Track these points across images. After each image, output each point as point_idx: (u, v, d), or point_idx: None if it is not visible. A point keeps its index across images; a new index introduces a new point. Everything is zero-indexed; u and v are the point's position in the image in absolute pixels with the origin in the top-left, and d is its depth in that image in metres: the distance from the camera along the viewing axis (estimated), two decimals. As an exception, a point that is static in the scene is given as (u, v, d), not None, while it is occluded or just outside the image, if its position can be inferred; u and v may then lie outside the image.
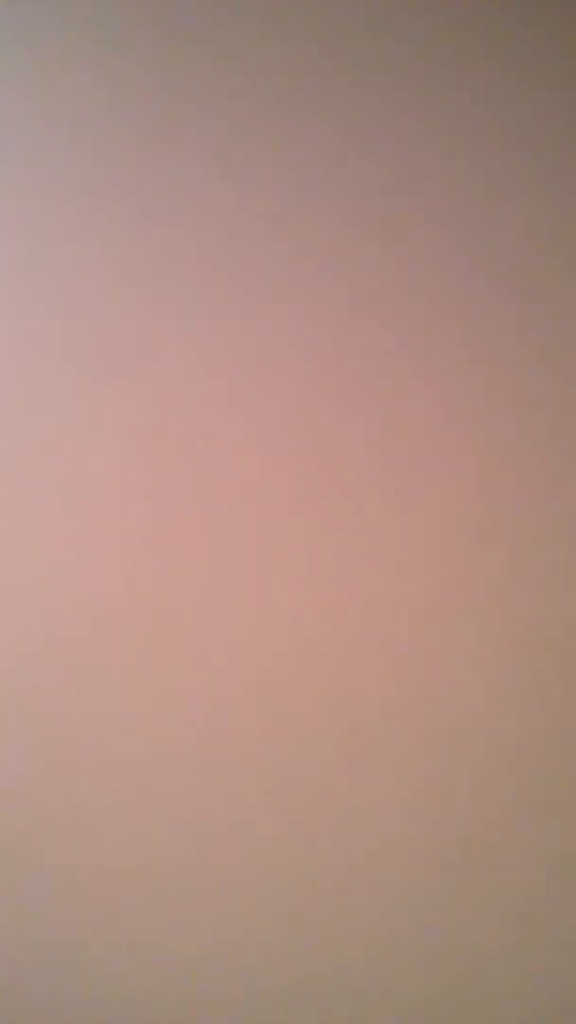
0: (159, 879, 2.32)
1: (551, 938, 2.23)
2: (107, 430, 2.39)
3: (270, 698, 2.31)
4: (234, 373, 2.37)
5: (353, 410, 2.34)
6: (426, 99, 2.35)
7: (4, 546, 2.40)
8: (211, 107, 2.40)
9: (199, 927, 2.30)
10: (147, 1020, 2.31)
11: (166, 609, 2.35)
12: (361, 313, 2.35)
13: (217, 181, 2.39)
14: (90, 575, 2.37)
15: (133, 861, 2.33)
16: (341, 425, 2.34)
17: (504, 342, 2.31)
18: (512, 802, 2.25)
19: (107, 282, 2.41)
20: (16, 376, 2.42)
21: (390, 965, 2.26)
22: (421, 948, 2.25)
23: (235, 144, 2.39)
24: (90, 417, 2.39)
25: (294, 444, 2.35)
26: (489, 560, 2.29)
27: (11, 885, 2.35)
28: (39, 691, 2.36)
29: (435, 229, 2.34)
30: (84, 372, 2.40)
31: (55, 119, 2.44)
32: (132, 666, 2.34)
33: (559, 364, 2.30)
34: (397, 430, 2.32)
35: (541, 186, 2.33)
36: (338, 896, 2.28)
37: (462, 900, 2.25)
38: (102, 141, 2.42)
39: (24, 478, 2.40)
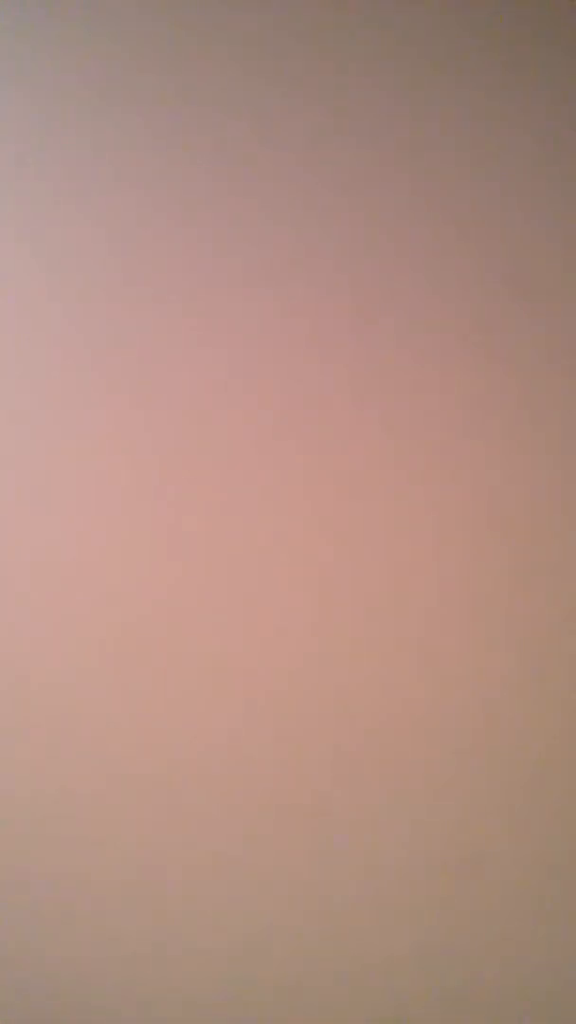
0: (160, 889, 2.32)
1: (552, 945, 2.23)
2: (107, 434, 2.39)
3: (269, 706, 2.31)
4: (235, 374, 2.37)
5: (355, 410, 2.34)
6: (431, 94, 2.35)
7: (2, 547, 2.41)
8: (213, 97, 2.40)
9: (200, 935, 2.31)
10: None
11: (163, 614, 2.35)
12: (363, 313, 2.35)
13: (219, 178, 2.39)
14: (88, 577, 2.37)
15: (134, 873, 2.33)
16: (344, 426, 2.34)
17: (508, 339, 2.32)
18: (515, 810, 2.25)
19: (108, 282, 2.41)
20: (14, 379, 2.42)
21: (391, 972, 2.26)
22: (423, 956, 2.25)
23: (236, 139, 2.39)
24: (90, 420, 2.39)
25: (295, 445, 2.35)
26: (492, 565, 2.29)
27: (15, 895, 2.36)
28: (41, 700, 2.37)
29: (439, 226, 2.34)
30: (84, 373, 2.40)
31: (54, 109, 2.44)
32: (130, 672, 2.34)
33: (563, 362, 2.31)
34: (400, 431, 2.33)
35: (547, 183, 2.33)
36: (339, 905, 2.28)
37: (464, 909, 2.25)
38: (103, 133, 2.42)
39: (21, 480, 2.40)
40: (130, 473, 2.37)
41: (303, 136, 2.38)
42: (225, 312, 2.38)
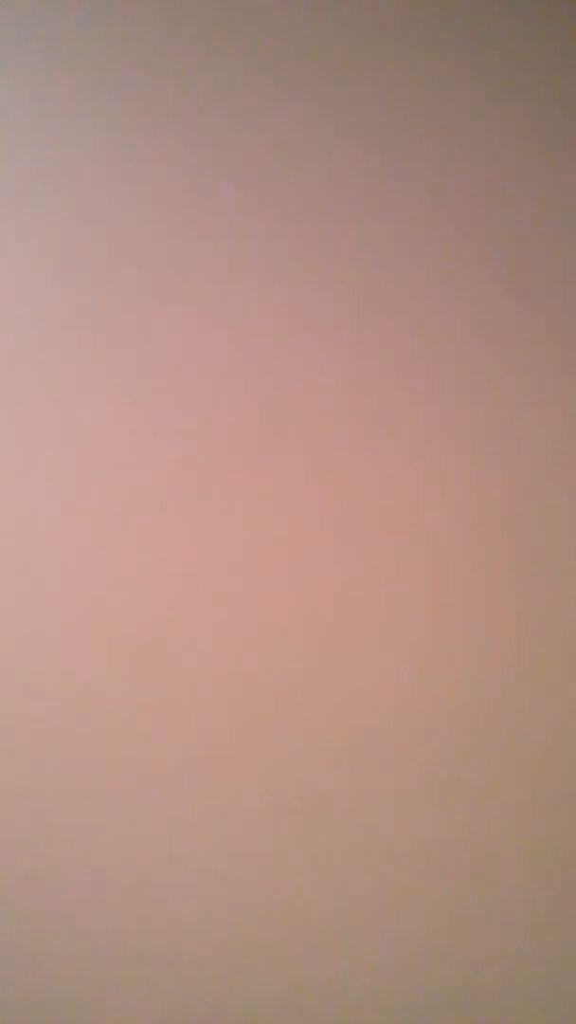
0: (160, 892, 2.32)
1: (556, 947, 2.23)
2: (104, 433, 2.38)
3: (271, 708, 2.31)
4: (234, 373, 2.37)
5: (354, 408, 2.34)
6: (430, 91, 2.36)
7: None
8: (213, 94, 2.40)
9: (200, 938, 2.30)
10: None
11: (163, 615, 2.34)
12: (362, 311, 2.35)
13: (219, 175, 2.39)
14: (87, 576, 2.36)
15: (134, 875, 2.32)
16: (343, 424, 2.34)
17: (508, 336, 2.32)
18: (518, 812, 2.25)
19: (108, 279, 2.40)
20: (11, 379, 2.41)
21: (393, 975, 2.26)
22: (425, 956, 2.25)
23: (236, 134, 2.39)
24: (87, 417, 2.39)
25: (294, 443, 2.34)
26: (493, 564, 2.29)
27: (14, 897, 2.35)
28: (40, 696, 2.36)
29: (438, 223, 2.35)
30: (82, 371, 2.40)
31: (54, 107, 2.43)
32: (130, 673, 2.34)
33: (563, 358, 2.31)
34: (399, 429, 2.33)
35: (545, 180, 2.34)
36: (341, 908, 2.28)
37: (467, 912, 2.25)
38: (103, 131, 2.42)
39: (19, 481, 2.40)
40: (129, 474, 2.37)
41: (303, 132, 2.38)
42: (226, 312, 2.38)
